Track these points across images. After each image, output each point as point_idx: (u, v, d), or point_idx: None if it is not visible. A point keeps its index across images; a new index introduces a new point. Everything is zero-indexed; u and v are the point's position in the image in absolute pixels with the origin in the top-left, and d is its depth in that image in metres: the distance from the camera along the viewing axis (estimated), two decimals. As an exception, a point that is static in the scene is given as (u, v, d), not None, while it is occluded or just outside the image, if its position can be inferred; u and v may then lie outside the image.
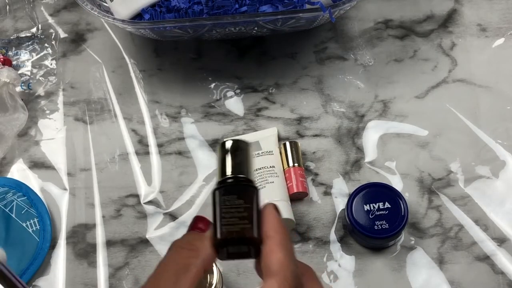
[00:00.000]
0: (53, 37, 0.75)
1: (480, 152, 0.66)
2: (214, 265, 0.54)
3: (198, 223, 0.45)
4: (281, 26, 0.65)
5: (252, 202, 0.39)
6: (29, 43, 0.75)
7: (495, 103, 0.69)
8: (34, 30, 0.76)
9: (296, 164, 0.65)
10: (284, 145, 0.66)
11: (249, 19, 0.62)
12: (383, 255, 0.62)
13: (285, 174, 0.65)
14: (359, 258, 0.62)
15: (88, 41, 0.76)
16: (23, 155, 0.69)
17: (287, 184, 0.64)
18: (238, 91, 0.71)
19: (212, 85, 0.72)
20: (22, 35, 0.76)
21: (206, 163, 0.67)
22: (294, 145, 0.66)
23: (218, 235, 0.38)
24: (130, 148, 0.69)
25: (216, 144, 0.68)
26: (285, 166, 0.65)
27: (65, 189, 0.67)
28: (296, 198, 0.64)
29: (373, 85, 0.71)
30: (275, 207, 0.40)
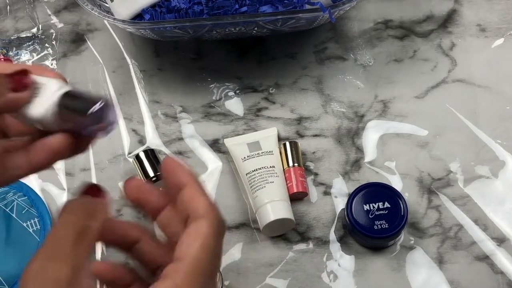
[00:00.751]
0: (53, 37, 0.76)
1: (479, 152, 0.66)
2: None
3: (92, 190, 0.38)
4: (281, 26, 0.65)
5: None
6: (30, 43, 0.75)
7: (494, 103, 0.69)
8: (34, 30, 0.76)
9: (296, 164, 0.65)
10: (284, 145, 0.66)
11: (249, 19, 0.62)
12: (382, 255, 0.62)
13: (285, 174, 0.65)
14: (358, 258, 0.62)
15: (88, 41, 0.76)
16: (23, 155, 0.69)
17: (287, 184, 0.64)
18: (238, 91, 0.72)
19: (212, 85, 0.72)
20: (23, 35, 0.76)
21: (206, 163, 0.68)
22: (294, 145, 0.66)
23: None
24: (131, 148, 0.69)
25: (216, 144, 0.68)
26: (285, 166, 0.65)
27: (65, 189, 0.67)
28: (296, 198, 0.65)
29: (373, 85, 0.71)
30: (172, 158, 0.39)
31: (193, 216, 0.36)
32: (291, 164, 0.65)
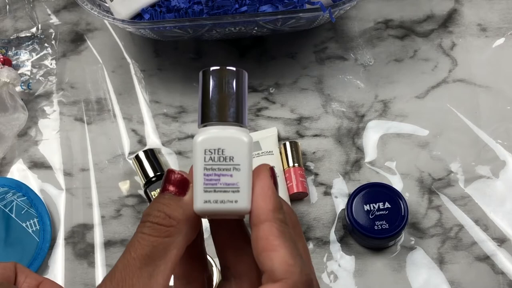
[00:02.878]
0: (53, 37, 0.75)
1: (480, 152, 0.66)
2: (213, 265, 0.54)
3: (170, 181, 0.32)
4: (281, 26, 0.65)
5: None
6: (29, 43, 0.75)
7: (495, 103, 0.69)
8: (34, 30, 0.76)
9: (296, 164, 0.65)
10: (284, 145, 0.66)
11: (249, 19, 0.62)
12: (383, 255, 0.62)
13: (285, 174, 0.65)
14: (359, 258, 0.62)
15: (88, 41, 0.75)
16: (23, 155, 0.69)
17: (287, 184, 0.64)
18: (238, 91, 0.71)
19: (212, 85, 0.72)
20: (22, 35, 0.76)
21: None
22: (294, 145, 0.66)
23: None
24: (131, 148, 0.69)
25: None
26: (285, 166, 0.65)
27: (64, 189, 0.67)
28: (296, 198, 0.64)
29: (373, 85, 0.71)
30: (272, 170, 0.31)
31: (267, 276, 0.29)
32: (291, 164, 0.65)
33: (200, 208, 0.30)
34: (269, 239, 0.29)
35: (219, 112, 0.31)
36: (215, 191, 0.30)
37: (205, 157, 0.30)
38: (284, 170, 0.65)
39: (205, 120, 0.32)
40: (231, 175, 0.30)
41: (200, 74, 0.32)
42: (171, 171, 0.32)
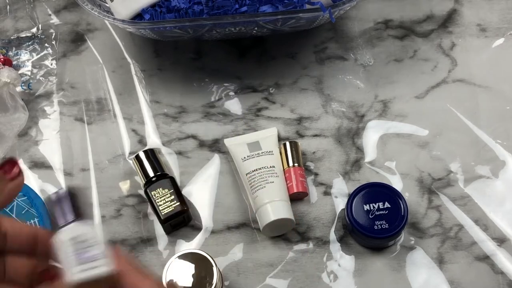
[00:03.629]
0: (53, 37, 0.76)
1: (480, 152, 0.66)
2: (213, 265, 0.54)
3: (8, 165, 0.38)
4: (281, 26, 0.65)
5: (172, 187, 0.60)
6: (30, 43, 0.75)
7: (495, 103, 0.69)
8: (34, 30, 0.76)
9: (296, 164, 0.65)
10: (284, 145, 0.66)
11: (249, 19, 0.62)
12: (383, 255, 0.62)
13: (285, 174, 0.65)
14: (359, 258, 0.62)
15: (88, 41, 0.76)
16: (23, 155, 0.69)
17: (287, 184, 0.64)
18: (238, 91, 0.72)
19: (212, 85, 0.72)
20: (23, 35, 0.76)
21: (206, 163, 0.67)
22: (294, 145, 0.66)
23: (162, 217, 0.60)
24: (131, 148, 0.69)
25: (216, 144, 0.68)
26: (285, 166, 0.65)
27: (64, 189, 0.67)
28: (296, 198, 0.64)
29: (373, 85, 0.71)
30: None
31: None
32: (291, 164, 0.65)
33: (73, 279, 0.35)
34: (135, 278, 0.35)
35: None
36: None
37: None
38: (284, 170, 0.65)
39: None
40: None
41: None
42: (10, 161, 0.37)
